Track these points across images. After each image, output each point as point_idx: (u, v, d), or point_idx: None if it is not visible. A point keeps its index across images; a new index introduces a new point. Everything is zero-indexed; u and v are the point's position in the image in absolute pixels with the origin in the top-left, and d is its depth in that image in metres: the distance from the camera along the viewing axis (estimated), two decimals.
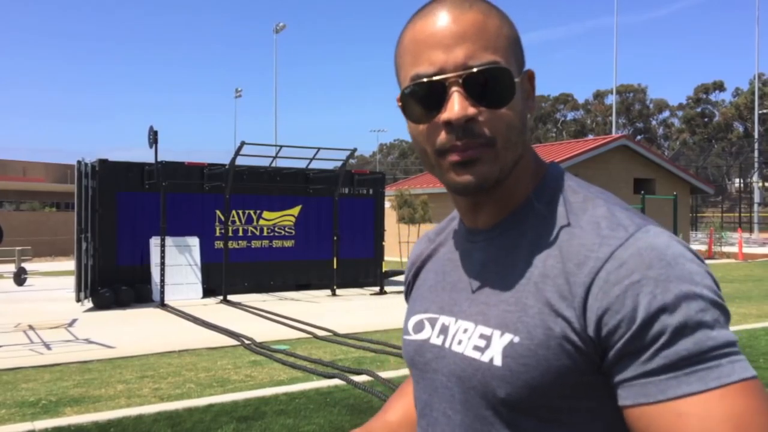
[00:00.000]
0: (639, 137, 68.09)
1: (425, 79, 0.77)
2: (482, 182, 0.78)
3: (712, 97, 70.45)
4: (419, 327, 0.90)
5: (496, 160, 0.78)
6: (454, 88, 0.76)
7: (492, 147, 0.77)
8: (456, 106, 0.75)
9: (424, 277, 0.96)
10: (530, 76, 0.84)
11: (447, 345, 0.83)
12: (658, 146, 69.80)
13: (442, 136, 0.78)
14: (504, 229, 0.84)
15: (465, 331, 0.82)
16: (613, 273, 0.71)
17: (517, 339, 0.75)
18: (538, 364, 0.74)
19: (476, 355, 0.79)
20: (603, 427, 0.75)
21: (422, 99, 0.78)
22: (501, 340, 0.77)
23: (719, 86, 69.44)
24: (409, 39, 0.81)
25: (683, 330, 0.68)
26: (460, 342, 0.82)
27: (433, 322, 0.88)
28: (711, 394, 0.66)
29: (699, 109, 69.81)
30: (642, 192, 19.21)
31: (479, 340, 0.79)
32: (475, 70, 0.75)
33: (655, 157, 23.25)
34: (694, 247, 25.49)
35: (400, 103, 0.82)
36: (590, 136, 56.22)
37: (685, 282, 0.69)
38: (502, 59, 0.77)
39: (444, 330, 0.85)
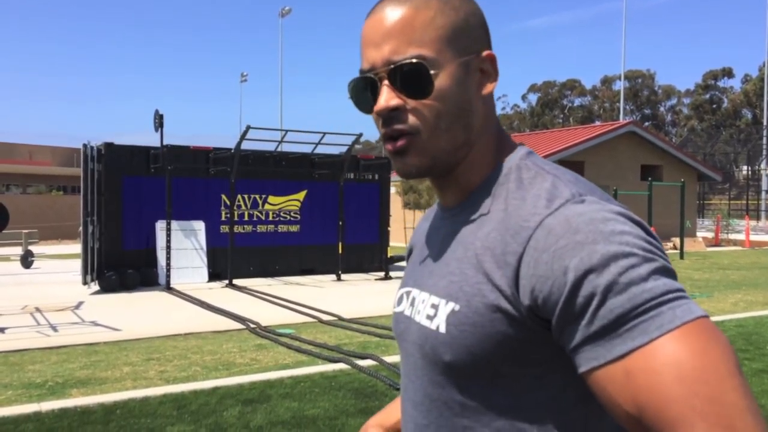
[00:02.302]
0: (647, 123, 67.67)
1: (360, 75, 0.86)
2: (414, 170, 0.85)
3: (721, 83, 69.89)
4: (399, 300, 0.97)
5: (425, 149, 0.83)
6: (384, 82, 0.83)
7: (417, 135, 0.83)
8: (382, 98, 0.83)
9: (414, 253, 1.02)
10: (489, 58, 0.86)
11: (413, 316, 0.89)
12: (666, 133, 69.37)
13: (379, 125, 0.85)
14: (464, 207, 0.88)
15: (423, 301, 0.87)
16: (541, 240, 0.73)
17: (457, 307, 0.79)
18: (475, 331, 0.77)
19: (427, 323, 0.84)
20: (548, 396, 0.77)
21: (363, 92, 0.86)
22: (445, 309, 0.81)
23: (728, 73, 68.82)
24: (361, 38, 0.87)
25: (613, 287, 0.67)
26: (419, 312, 0.87)
27: (408, 295, 0.94)
28: (654, 344, 0.65)
29: (707, 96, 69.27)
30: (649, 179, 19.10)
31: (431, 309, 0.84)
32: (392, 65, 0.81)
33: (662, 143, 23.08)
34: (701, 234, 25.41)
35: (349, 96, 0.89)
36: (597, 123, 55.87)
37: (613, 243, 0.69)
38: (429, 51, 0.81)
39: (412, 302, 0.91)
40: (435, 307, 0.83)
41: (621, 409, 0.66)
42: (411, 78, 0.81)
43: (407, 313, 0.92)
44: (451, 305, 0.80)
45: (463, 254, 0.83)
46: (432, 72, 0.81)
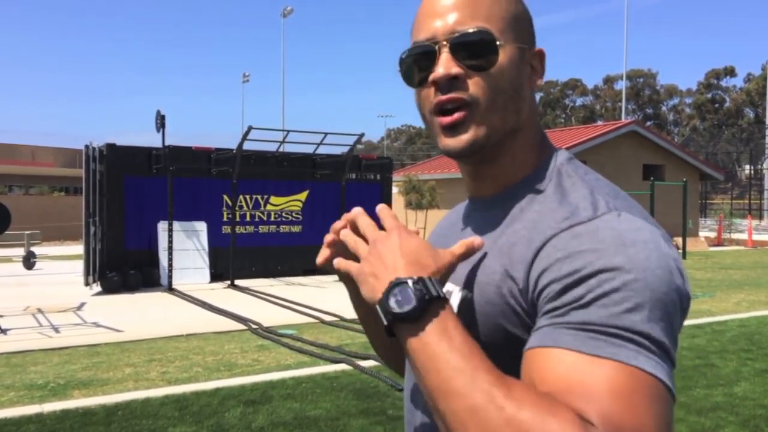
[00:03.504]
0: (649, 123, 67.57)
1: (419, 46, 0.83)
2: (469, 146, 0.82)
3: (723, 82, 69.78)
4: None
5: (481, 123, 0.82)
6: (444, 51, 0.81)
7: (476, 107, 0.81)
8: (441, 66, 0.81)
9: (435, 242, 1.00)
10: (539, 54, 0.88)
11: None
12: (668, 132, 69.27)
13: (432, 95, 0.83)
14: (498, 200, 0.87)
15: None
16: (563, 240, 0.73)
17: (470, 295, 0.81)
18: (486, 320, 0.79)
19: None
20: None
21: (418, 63, 0.84)
22: (458, 295, 0.83)
23: (730, 72, 68.71)
24: (417, 13, 0.86)
25: (603, 299, 0.67)
26: None
27: None
28: (598, 360, 0.65)
29: (710, 95, 69.16)
30: (651, 178, 19.06)
31: (447, 294, 0.83)
32: (457, 33, 0.81)
33: (664, 142, 23.04)
34: (704, 234, 25.37)
35: (398, 70, 0.87)
36: (599, 122, 55.76)
37: (634, 263, 0.68)
38: (493, 27, 0.81)
39: None
40: (449, 293, 0.84)
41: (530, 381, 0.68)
42: (476, 47, 0.81)
43: None
44: (465, 292, 0.82)
45: (489, 246, 0.83)
46: (497, 45, 0.81)
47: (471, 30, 0.80)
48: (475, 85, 0.81)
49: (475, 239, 0.80)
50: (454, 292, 0.84)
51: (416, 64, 0.84)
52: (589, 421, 0.61)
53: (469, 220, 0.93)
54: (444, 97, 0.81)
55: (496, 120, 0.82)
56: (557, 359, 0.66)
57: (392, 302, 0.70)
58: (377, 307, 0.72)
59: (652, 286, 0.68)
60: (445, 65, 0.80)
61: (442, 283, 0.74)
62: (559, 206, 0.79)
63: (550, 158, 0.87)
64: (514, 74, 0.83)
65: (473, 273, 0.82)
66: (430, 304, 0.69)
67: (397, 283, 0.70)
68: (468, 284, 0.82)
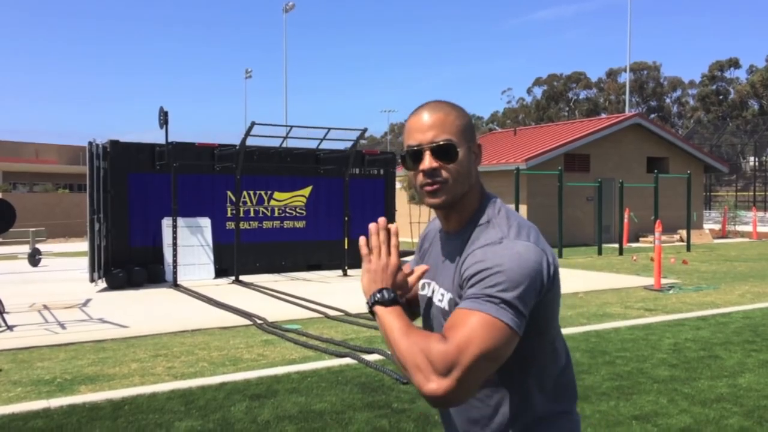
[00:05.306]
0: (653, 115, 67.32)
1: (411, 149, 1.45)
2: (442, 202, 1.45)
3: (727, 74, 69.38)
4: (422, 287, 1.60)
5: (449, 191, 1.44)
6: (426, 153, 1.42)
7: (446, 183, 1.43)
8: (426, 162, 1.42)
9: (431, 250, 1.62)
10: (479, 146, 1.50)
11: (433, 298, 1.54)
12: (672, 125, 69.00)
13: (420, 177, 1.44)
14: (459, 233, 1.49)
15: (435, 291, 1.53)
16: (479, 253, 1.36)
17: (450, 295, 1.45)
18: (456, 306, 1.37)
19: (439, 304, 1.50)
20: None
21: (411, 158, 1.45)
22: (447, 296, 1.46)
23: (734, 63, 68.33)
24: (408, 126, 1.48)
25: (484, 281, 1.30)
26: (435, 296, 1.53)
27: (429, 285, 1.57)
28: (476, 313, 1.27)
29: (714, 87, 68.80)
30: (655, 171, 19.01)
31: (440, 295, 1.49)
32: (434, 144, 1.42)
33: (668, 135, 22.96)
34: (709, 226, 25.31)
35: (399, 160, 1.51)
36: (603, 115, 55.62)
37: (505, 265, 1.30)
38: (454, 138, 1.42)
39: (433, 290, 1.55)
40: (442, 294, 1.48)
41: (446, 321, 1.33)
42: (445, 151, 1.41)
43: (428, 295, 1.56)
44: (449, 294, 1.46)
45: (455, 264, 1.45)
46: (457, 149, 1.42)
47: (442, 141, 1.41)
48: (445, 171, 1.42)
49: (423, 267, 1.52)
50: (445, 294, 1.47)
51: (410, 158, 1.45)
52: (447, 337, 1.25)
53: (442, 244, 1.55)
54: (426, 180, 1.43)
55: (457, 188, 1.43)
56: (456, 313, 1.31)
57: (373, 299, 1.40)
58: (366, 299, 1.42)
59: (511, 277, 1.29)
60: (429, 161, 1.41)
61: (395, 291, 1.40)
62: (487, 234, 1.40)
63: (487, 202, 1.48)
64: (466, 162, 1.44)
65: (448, 280, 1.46)
66: (383, 302, 1.38)
67: (375, 293, 1.40)
68: (447, 288, 1.47)
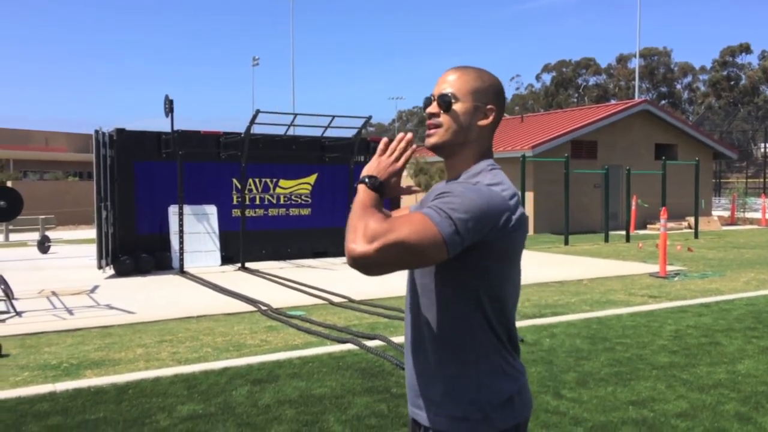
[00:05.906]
0: (663, 102, 66.76)
1: (427, 97, 1.70)
2: (434, 144, 1.66)
3: (739, 59, 68.62)
4: None
5: (441, 137, 1.65)
6: (434, 100, 1.67)
7: (440, 128, 1.65)
8: (431, 107, 1.67)
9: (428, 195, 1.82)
10: (491, 109, 1.65)
11: None
12: (683, 111, 68.39)
13: (427, 121, 1.69)
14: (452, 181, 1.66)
15: None
16: (448, 185, 1.56)
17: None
18: None
19: None
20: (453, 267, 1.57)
21: (425, 105, 1.72)
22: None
23: (746, 49, 67.56)
24: (438, 80, 1.72)
25: (440, 199, 1.48)
26: None
27: None
28: (420, 213, 1.44)
29: (725, 73, 68.10)
30: (663, 158, 18.90)
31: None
32: (440, 94, 1.64)
33: (677, 122, 22.79)
34: (717, 213, 25.16)
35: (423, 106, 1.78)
36: (613, 101, 55.18)
37: (463, 194, 1.47)
38: (458, 93, 1.63)
39: None
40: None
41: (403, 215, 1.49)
42: (445, 101, 1.63)
43: None
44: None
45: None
46: (453, 101, 1.63)
47: (444, 93, 1.63)
48: (441, 118, 1.64)
49: (408, 135, 1.67)
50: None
51: (425, 105, 1.71)
52: (389, 220, 1.43)
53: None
54: (429, 123, 1.67)
55: (450, 136, 1.64)
56: (412, 212, 1.47)
57: (364, 180, 1.56)
58: (361, 177, 1.58)
59: (465, 203, 1.44)
60: (432, 107, 1.66)
61: (382, 178, 1.57)
62: (468, 179, 1.59)
63: (485, 164, 1.63)
64: (463, 117, 1.63)
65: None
66: (370, 185, 1.54)
67: (368, 176, 1.57)
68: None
